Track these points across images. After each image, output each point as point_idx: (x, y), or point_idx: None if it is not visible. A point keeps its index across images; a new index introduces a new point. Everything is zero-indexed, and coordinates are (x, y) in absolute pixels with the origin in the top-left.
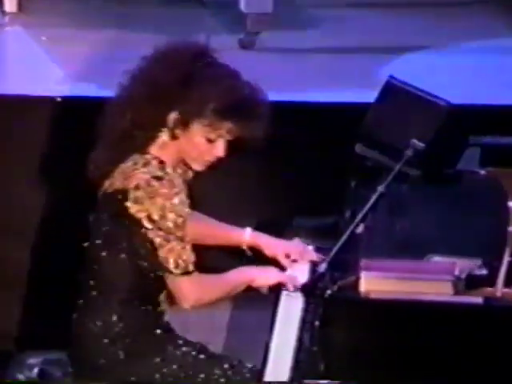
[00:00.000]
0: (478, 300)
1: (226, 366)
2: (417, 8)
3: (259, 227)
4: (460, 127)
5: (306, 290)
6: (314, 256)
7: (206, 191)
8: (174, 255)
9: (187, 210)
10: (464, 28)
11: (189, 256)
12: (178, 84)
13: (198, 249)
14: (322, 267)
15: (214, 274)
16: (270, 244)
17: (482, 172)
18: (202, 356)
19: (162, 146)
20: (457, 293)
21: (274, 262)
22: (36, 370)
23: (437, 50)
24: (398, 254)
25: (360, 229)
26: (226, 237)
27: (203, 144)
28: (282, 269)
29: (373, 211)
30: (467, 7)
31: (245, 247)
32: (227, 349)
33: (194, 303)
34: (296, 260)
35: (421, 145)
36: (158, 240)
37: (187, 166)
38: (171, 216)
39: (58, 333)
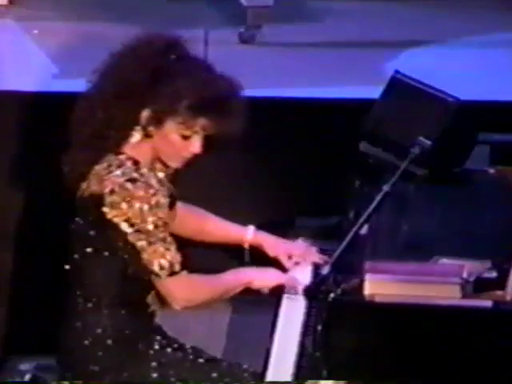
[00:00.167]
0: (487, 304)
1: (224, 369)
2: (424, 0)
3: (261, 227)
4: (469, 124)
5: (309, 293)
6: (317, 257)
7: (207, 191)
8: (158, 257)
9: (166, 210)
10: (474, 21)
11: (173, 256)
12: (149, 80)
13: (196, 250)
14: (325, 269)
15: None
16: (272, 244)
17: (492, 171)
18: (199, 360)
19: (136, 145)
20: (465, 296)
21: (275, 263)
22: (28, 376)
23: (445, 43)
24: (403, 255)
25: (364, 229)
26: (227, 234)
27: (178, 141)
28: (284, 270)
29: (377, 211)
30: (477, 0)
31: (246, 246)
32: (227, 353)
33: (184, 303)
34: (298, 262)
35: (428, 143)
36: (139, 243)
37: (163, 164)
38: (150, 218)
39: (50, 338)
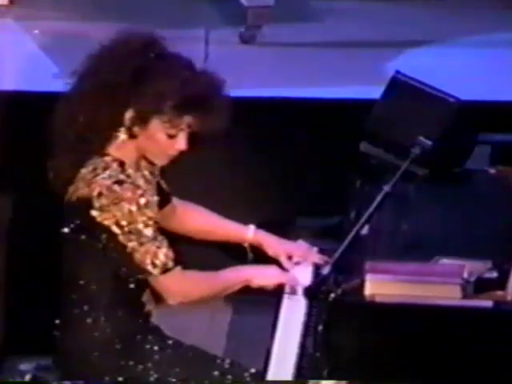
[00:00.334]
0: (488, 304)
1: (224, 368)
2: (425, 0)
3: (262, 227)
4: (469, 124)
5: (309, 293)
6: (318, 258)
7: (207, 192)
8: (150, 256)
9: (155, 208)
10: (475, 21)
11: (166, 254)
12: (130, 80)
13: (196, 249)
14: (326, 270)
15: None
16: (272, 243)
17: (492, 171)
18: (199, 359)
19: (121, 146)
20: (465, 296)
21: (276, 262)
22: (28, 376)
23: (445, 43)
24: (404, 256)
25: (365, 230)
26: (228, 233)
27: (164, 140)
28: (284, 269)
29: (378, 211)
30: (479, 1)
31: (247, 245)
32: (227, 353)
33: (179, 298)
34: (299, 262)
35: (428, 143)
36: (130, 244)
37: (149, 162)
38: (140, 219)
39: (50, 338)
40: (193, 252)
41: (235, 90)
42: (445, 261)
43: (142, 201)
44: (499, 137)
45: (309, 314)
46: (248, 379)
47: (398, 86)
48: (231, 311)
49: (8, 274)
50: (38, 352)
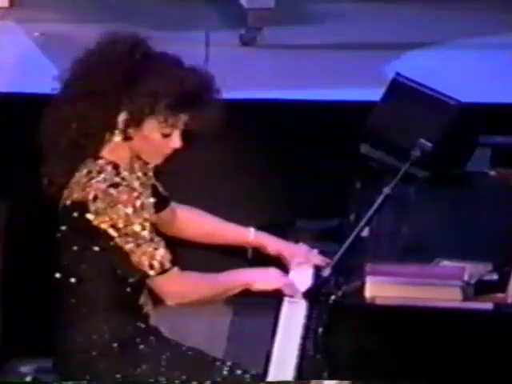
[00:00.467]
0: (489, 306)
1: (224, 370)
2: (424, 2)
3: (262, 229)
4: (470, 127)
5: (310, 295)
6: (319, 259)
7: (207, 194)
8: (148, 258)
9: (151, 210)
10: (475, 23)
11: (163, 255)
12: (120, 83)
13: (196, 251)
14: (326, 272)
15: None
16: (274, 243)
17: (493, 173)
18: (198, 360)
19: (115, 148)
20: (466, 299)
21: (276, 264)
22: (29, 378)
23: (446, 46)
24: (404, 258)
25: (365, 232)
26: (229, 236)
27: (159, 139)
28: (285, 270)
29: (378, 214)
30: (479, 2)
31: (249, 247)
32: (228, 356)
33: (177, 299)
34: (301, 262)
35: (429, 145)
36: (127, 247)
37: (142, 163)
38: (136, 221)
39: (51, 340)
40: (193, 255)
41: (235, 92)
42: (445, 263)
43: (138, 203)
44: (499, 139)
45: (309, 316)
46: (248, 381)
47: (399, 89)
48: (231, 313)
49: (8, 276)
50: (38, 354)
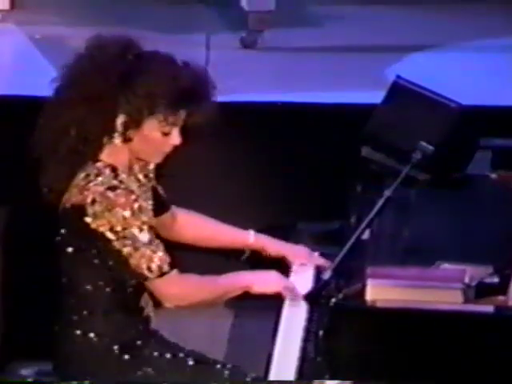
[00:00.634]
0: (489, 309)
1: (225, 373)
2: (425, 5)
3: (262, 232)
4: (470, 129)
5: (310, 298)
6: (320, 261)
7: (207, 197)
8: (146, 261)
9: (150, 213)
10: (475, 26)
11: (161, 258)
12: (116, 86)
13: (196, 255)
14: (327, 274)
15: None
16: (275, 244)
17: (493, 176)
18: (199, 364)
19: (114, 151)
20: (467, 301)
21: (277, 266)
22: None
23: (447, 48)
24: (405, 260)
25: (366, 234)
26: (229, 239)
27: (159, 138)
28: (286, 270)
29: (379, 216)
30: (479, 4)
31: (248, 250)
32: (228, 359)
33: (176, 301)
34: (304, 263)
35: (429, 148)
36: (126, 250)
37: (142, 166)
38: (134, 223)
39: (51, 343)
40: (192, 258)
41: (236, 95)
42: (446, 266)
43: (136, 205)
44: (500, 142)
45: (310, 319)
46: (250, 382)
47: (399, 91)
48: (232, 316)
49: (9, 279)
50: (39, 357)
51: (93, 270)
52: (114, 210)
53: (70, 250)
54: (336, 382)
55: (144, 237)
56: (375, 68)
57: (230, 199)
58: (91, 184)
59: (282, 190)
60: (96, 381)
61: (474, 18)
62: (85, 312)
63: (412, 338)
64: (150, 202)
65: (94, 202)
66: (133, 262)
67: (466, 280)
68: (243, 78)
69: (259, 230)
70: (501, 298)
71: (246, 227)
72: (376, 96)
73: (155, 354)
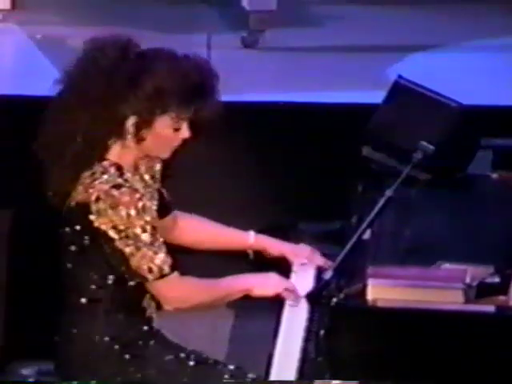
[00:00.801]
0: (490, 309)
1: (226, 374)
2: (426, 5)
3: (263, 232)
4: (471, 129)
5: (311, 298)
6: (322, 260)
7: (208, 198)
8: (147, 262)
9: (153, 213)
10: (476, 26)
11: (163, 259)
12: (121, 87)
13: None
14: (328, 274)
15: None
16: (276, 244)
17: (494, 176)
18: (201, 364)
19: (120, 150)
20: (468, 301)
21: (277, 267)
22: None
23: (448, 48)
24: (406, 260)
25: (367, 234)
26: (229, 241)
27: (170, 134)
28: (286, 275)
29: (380, 216)
30: (479, 5)
31: (250, 251)
32: (229, 359)
33: (175, 304)
34: (305, 263)
35: (430, 147)
36: (127, 249)
37: (148, 166)
38: (138, 223)
39: (52, 343)
40: (193, 261)
41: (237, 95)
42: (447, 265)
43: (140, 204)
44: (501, 142)
45: (311, 319)
46: (251, 381)
47: (400, 91)
48: (233, 316)
49: (10, 279)
50: (39, 357)
51: (95, 269)
52: (117, 208)
53: (73, 248)
54: (337, 381)
55: (146, 237)
56: (376, 68)
57: (231, 199)
58: (96, 182)
59: (283, 189)
60: (97, 381)
61: (474, 18)
62: (86, 311)
63: (413, 338)
64: (155, 203)
65: (98, 199)
66: (134, 262)
67: (467, 280)
68: (244, 77)
69: (260, 231)
70: (502, 297)
71: (246, 228)
72: (377, 96)
73: (156, 354)
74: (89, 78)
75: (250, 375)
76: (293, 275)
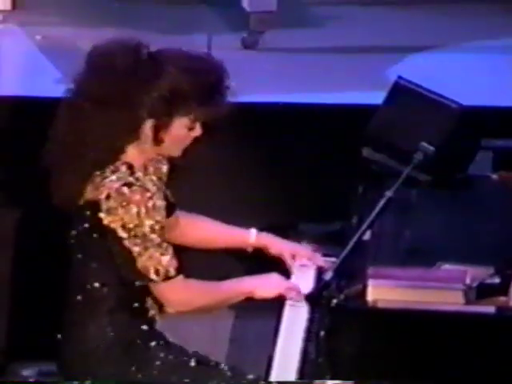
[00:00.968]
0: (490, 309)
1: (226, 375)
2: (426, 5)
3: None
4: (472, 130)
5: (311, 299)
6: (322, 261)
7: (208, 198)
8: (154, 263)
9: (163, 212)
10: (476, 26)
11: (169, 262)
12: (138, 91)
13: (200, 259)
14: (328, 275)
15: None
16: (276, 243)
17: (494, 176)
18: (201, 366)
19: (132, 151)
20: (468, 302)
21: (278, 269)
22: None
23: (448, 49)
24: (406, 261)
25: (367, 235)
26: (230, 239)
27: (185, 134)
28: (287, 275)
29: (380, 217)
30: (480, 5)
31: (250, 249)
32: (229, 359)
33: (179, 307)
34: (304, 264)
35: (431, 148)
36: (135, 249)
37: (158, 167)
38: (148, 222)
39: (53, 344)
40: (194, 263)
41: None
42: (447, 266)
43: (150, 204)
44: (501, 142)
45: (311, 320)
46: (252, 380)
47: (401, 92)
48: (233, 316)
49: (10, 280)
50: (40, 358)
51: (101, 267)
52: (128, 207)
53: (80, 246)
54: (337, 382)
55: (155, 237)
56: (376, 69)
57: (231, 200)
58: (107, 180)
59: (283, 191)
60: (97, 381)
61: (474, 19)
62: (90, 310)
63: (413, 339)
64: (164, 202)
65: (108, 197)
66: (141, 262)
67: (467, 281)
68: (244, 78)
69: (260, 231)
70: (502, 298)
71: (246, 228)
72: (377, 97)
73: (157, 355)
74: (103, 82)
75: (250, 376)
76: (293, 276)
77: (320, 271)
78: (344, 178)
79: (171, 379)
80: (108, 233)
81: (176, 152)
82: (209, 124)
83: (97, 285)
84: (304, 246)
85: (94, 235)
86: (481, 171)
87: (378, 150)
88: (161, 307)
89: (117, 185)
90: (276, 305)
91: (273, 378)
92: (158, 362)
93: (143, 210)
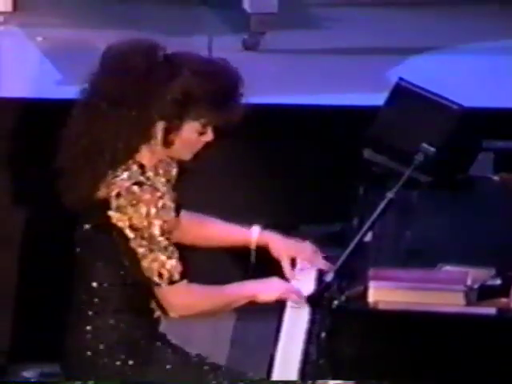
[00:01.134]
0: (491, 311)
1: (228, 377)
2: (427, 7)
3: None
4: (473, 131)
5: (312, 300)
6: (323, 263)
7: (209, 200)
8: (158, 266)
9: (173, 213)
10: (477, 28)
11: (173, 266)
12: (151, 93)
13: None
14: (329, 276)
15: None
16: (277, 244)
17: (496, 178)
18: (203, 367)
19: (150, 153)
20: (469, 304)
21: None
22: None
23: (448, 50)
24: (407, 262)
25: (368, 236)
26: (232, 237)
27: (196, 138)
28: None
29: (381, 218)
30: (480, 7)
31: (253, 247)
32: (231, 362)
33: (181, 311)
34: (303, 269)
35: (431, 149)
36: (141, 250)
37: (167, 169)
38: (156, 222)
39: (54, 345)
40: (195, 265)
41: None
42: (448, 268)
43: (160, 204)
44: (503, 144)
45: (312, 321)
46: (253, 380)
47: (402, 93)
48: (234, 318)
49: (13, 281)
50: (41, 359)
51: (108, 267)
52: (137, 206)
53: (86, 246)
54: (339, 382)
55: (161, 240)
56: (377, 70)
57: (232, 201)
58: (118, 178)
59: (284, 192)
60: (100, 381)
61: (474, 20)
62: (95, 309)
63: (414, 340)
64: (173, 204)
65: (118, 195)
66: (145, 264)
67: (469, 282)
68: (245, 79)
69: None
70: (503, 300)
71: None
72: (378, 98)
73: (161, 356)
74: (120, 82)
75: (251, 377)
76: (294, 281)
77: (321, 273)
78: (345, 180)
79: (174, 380)
80: (115, 232)
81: (186, 155)
82: (221, 130)
83: (104, 285)
84: (306, 245)
85: (101, 234)
86: (482, 172)
87: (379, 152)
88: (163, 312)
89: (127, 183)
90: (277, 306)
91: (274, 379)
92: (161, 363)
93: (153, 210)
